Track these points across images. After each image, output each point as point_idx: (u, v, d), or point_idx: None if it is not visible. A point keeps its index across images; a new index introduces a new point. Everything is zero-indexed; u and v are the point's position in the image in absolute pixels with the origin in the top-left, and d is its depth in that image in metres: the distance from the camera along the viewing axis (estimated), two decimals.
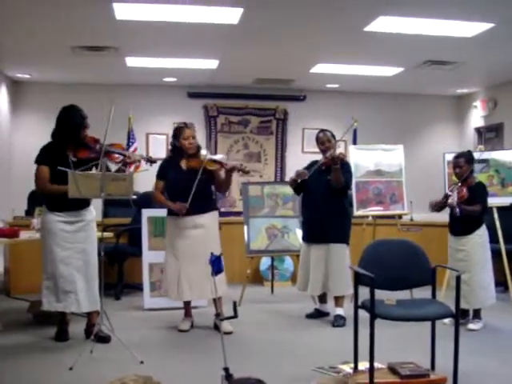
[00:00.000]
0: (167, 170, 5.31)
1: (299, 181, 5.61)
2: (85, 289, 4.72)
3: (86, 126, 4.78)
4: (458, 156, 5.53)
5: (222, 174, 5.28)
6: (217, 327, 5.23)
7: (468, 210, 5.26)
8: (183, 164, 5.26)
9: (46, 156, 4.71)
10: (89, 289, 4.74)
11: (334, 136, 5.75)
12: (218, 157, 5.37)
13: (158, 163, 5.34)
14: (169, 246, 5.31)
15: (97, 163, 4.60)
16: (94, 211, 4.92)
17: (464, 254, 5.42)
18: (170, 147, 5.49)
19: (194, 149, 5.22)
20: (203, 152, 5.29)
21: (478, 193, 5.39)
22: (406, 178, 7.08)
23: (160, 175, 5.33)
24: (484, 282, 5.43)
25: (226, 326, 5.06)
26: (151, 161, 5.04)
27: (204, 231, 5.20)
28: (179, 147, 5.26)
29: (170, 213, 5.28)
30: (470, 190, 5.32)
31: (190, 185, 5.03)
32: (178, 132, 5.27)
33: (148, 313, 6.05)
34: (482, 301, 5.44)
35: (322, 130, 5.82)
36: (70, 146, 4.75)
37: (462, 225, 5.41)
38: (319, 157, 5.71)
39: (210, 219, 5.27)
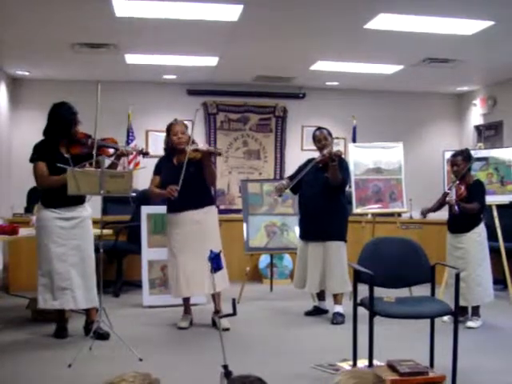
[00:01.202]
0: (162, 167, 5.35)
1: (279, 195, 5.85)
2: (81, 285, 4.71)
3: (77, 122, 4.79)
4: (456, 154, 5.55)
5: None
6: (215, 324, 5.27)
7: (466, 208, 5.28)
8: (175, 160, 5.28)
9: (41, 153, 4.72)
10: (86, 285, 4.74)
11: (330, 134, 5.76)
12: (199, 146, 5.30)
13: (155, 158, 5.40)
14: (168, 242, 5.33)
15: (91, 159, 4.62)
16: (89, 208, 4.92)
17: (462, 252, 5.42)
18: (163, 145, 5.50)
19: (183, 144, 5.21)
20: (193, 146, 5.22)
21: (476, 191, 5.40)
22: (406, 175, 7.08)
23: (155, 171, 5.40)
24: (481, 279, 5.44)
25: (223, 322, 5.07)
26: (144, 153, 5.05)
27: (201, 227, 5.19)
28: (171, 144, 5.29)
29: (168, 209, 5.30)
30: (468, 187, 5.34)
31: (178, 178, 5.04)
32: (168, 128, 5.34)
33: (147, 310, 6.05)
34: (479, 298, 5.45)
35: (319, 128, 5.83)
36: (62, 142, 4.76)
37: (460, 222, 5.42)
38: (318, 154, 5.71)
39: (206, 215, 5.26)
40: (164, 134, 5.46)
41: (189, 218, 5.19)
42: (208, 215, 5.28)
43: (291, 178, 5.77)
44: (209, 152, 5.18)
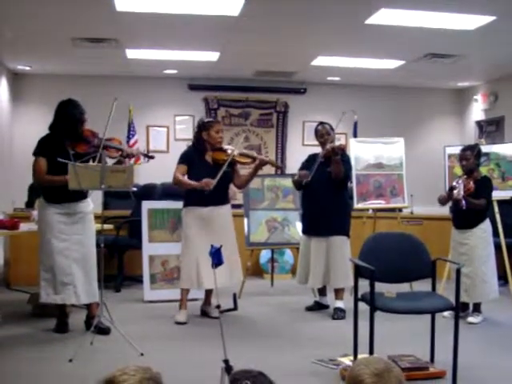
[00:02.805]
0: (192, 159, 5.36)
1: (304, 182, 5.57)
2: (83, 281, 4.72)
3: (84, 121, 4.79)
4: (465, 149, 5.50)
5: (251, 168, 5.47)
6: (204, 313, 5.49)
7: (474, 204, 5.22)
8: (208, 157, 5.33)
9: (43, 148, 4.72)
10: (87, 281, 4.75)
11: (332, 129, 5.76)
12: (249, 151, 5.54)
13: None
14: (186, 236, 5.35)
15: (94, 156, 4.64)
16: (92, 203, 4.92)
17: (467, 248, 5.40)
18: (193, 139, 5.54)
19: (222, 143, 5.38)
20: (230, 146, 5.49)
21: (484, 187, 5.35)
22: (407, 171, 7.06)
23: (184, 159, 5.38)
24: (486, 276, 5.41)
25: (213, 312, 5.36)
26: (149, 157, 5.09)
27: (223, 221, 5.35)
28: (204, 140, 5.32)
29: (188, 203, 5.33)
30: (475, 183, 5.28)
31: (215, 177, 5.15)
32: (207, 124, 5.39)
33: (148, 305, 6.06)
34: (483, 295, 5.43)
35: (321, 123, 5.83)
36: (68, 140, 4.75)
37: (465, 218, 5.39)
38: (319, 150, 5.70)
39: (227, 211, 5.43)
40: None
41: (212, 212, 5.30)
42: (227, 211, 5.45)
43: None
44: (266, 163, 5.42)
